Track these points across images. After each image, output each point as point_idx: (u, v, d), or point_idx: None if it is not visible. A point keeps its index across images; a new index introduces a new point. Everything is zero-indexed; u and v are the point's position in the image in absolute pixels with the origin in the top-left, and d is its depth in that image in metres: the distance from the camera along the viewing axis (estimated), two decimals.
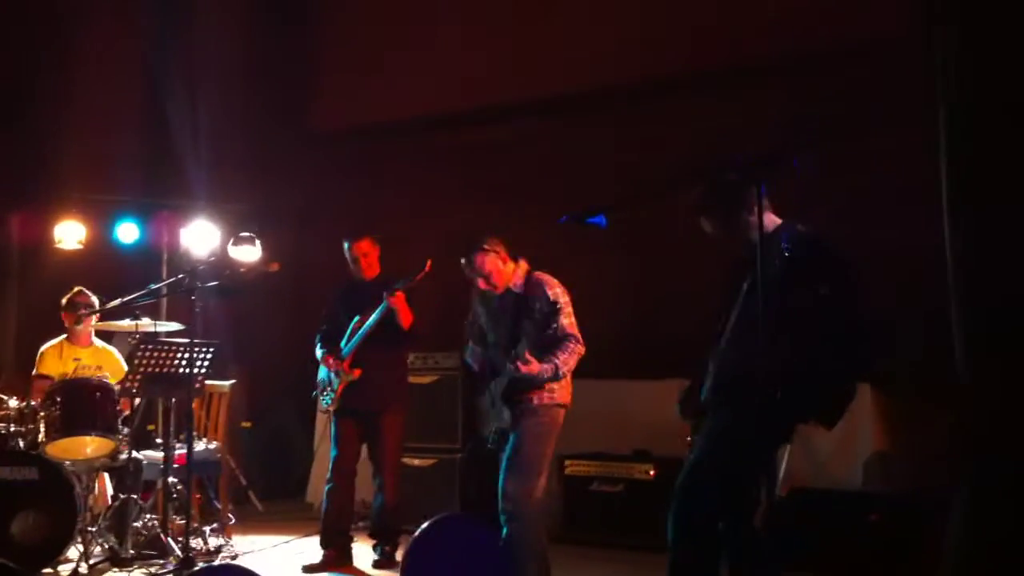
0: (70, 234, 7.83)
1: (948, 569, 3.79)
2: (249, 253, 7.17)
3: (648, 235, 7.25)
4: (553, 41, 8.56)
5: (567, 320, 4.99)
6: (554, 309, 4.96)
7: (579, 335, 5.02)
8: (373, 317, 6.01)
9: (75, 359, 6.61)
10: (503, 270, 5.09)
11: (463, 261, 5.13)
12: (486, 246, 5.07)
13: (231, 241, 7.27)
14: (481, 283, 5.11)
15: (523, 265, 5.17)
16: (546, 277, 5.12)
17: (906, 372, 6.26)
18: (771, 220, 4.00)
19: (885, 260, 6.38)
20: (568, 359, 4.96)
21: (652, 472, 6.68)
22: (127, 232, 7.99)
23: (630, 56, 8.08)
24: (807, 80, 7.30)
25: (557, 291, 5.04)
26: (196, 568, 5.49)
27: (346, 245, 6.31)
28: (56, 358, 6.64)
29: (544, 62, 8.54)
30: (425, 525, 4.67)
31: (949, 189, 3.68)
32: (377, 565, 6.16)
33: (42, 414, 5.89)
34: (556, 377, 4.96)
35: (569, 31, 8.51)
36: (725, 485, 3.91)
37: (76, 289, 6.73)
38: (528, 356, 4.82)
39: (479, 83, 8.81)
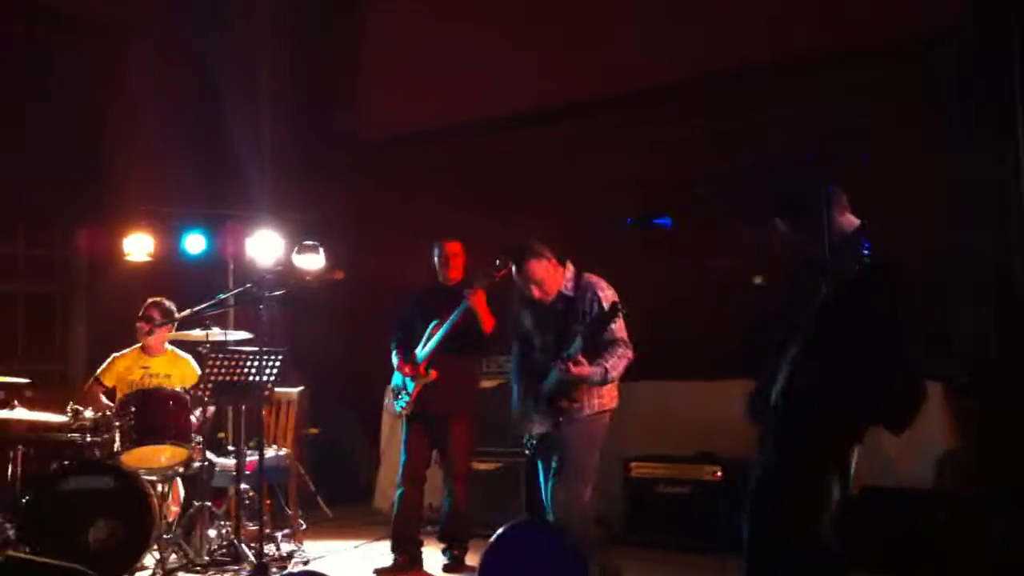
0: (139, 246, 7.96)
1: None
2: (313, 261, 7.25)
3: (708, 235, 7.24)
4: (604, 42, 8.57)
5: (616, 324, 5.01)
6: (604, 313, 4.97)
7: (628, 340, 5.04)
8: (450, 320, 6.03)
9: (143, 367, 6.72)
10: (554, 276, 5.12)
11: (513, 269, 5.15)
12: (536, 253, 5.10)
13: (295, 250, 7.36)
14: (535, 291, 5.14)
15: (570, 267, 5.20)
16: (597, 280, 5.15)
17: (978, 371, 6.20)
18: (849, 221, 3.92)
19: (956, 261, 6.36)
20: (617, 364, 4.99)
21: (719, 474, 6.67)
22: (194, 243, 8.11)
23: (681, 54, 8.07)
24: (854, 77, 7.25)
25: (608, 294, 5.08)
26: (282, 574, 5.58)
27: (437, 246, 6.35)
28: (125, 366, 6.75)
29: (595, 64, 8.54)
30: (501, 530, 4.69)
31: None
32: (447, 569, 6.21)
33: (117, 423, 6.00)
34: (604, 381, 4.99)
35: (617, 32, 8.51)
36: (798, 490, 3.89)
37: (150, 300, 6.82)
38: (580, 358, 4.86)
39: (530, 86, 8.84)
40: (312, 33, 10.20)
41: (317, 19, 10.26)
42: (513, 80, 8.89)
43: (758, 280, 5.22)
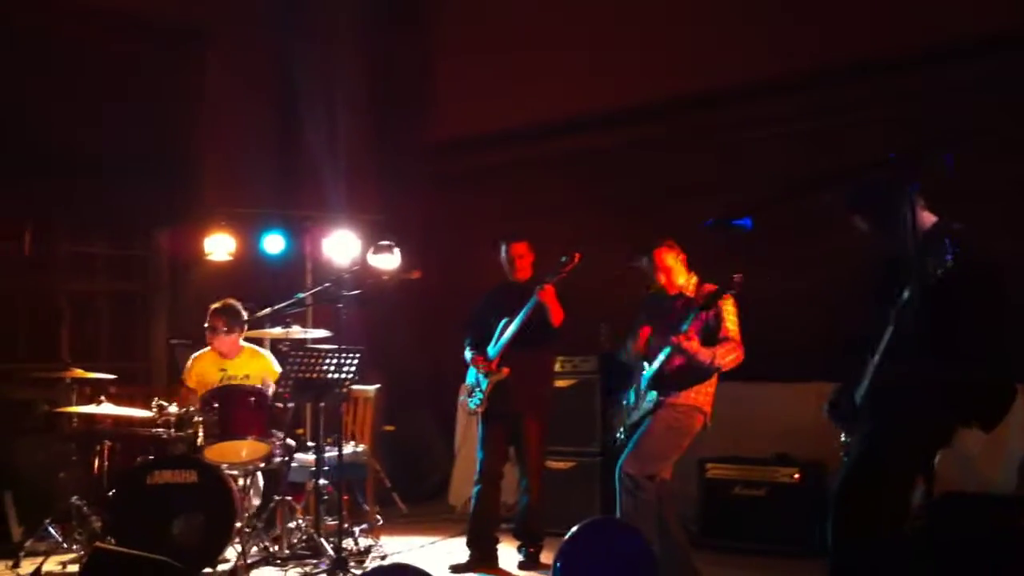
0: (220, 246, 8.06)
1: None
2: (388, 261, 7.34)
3: (785, 236, 7.18)
4: (681, 43, 8.53)
5: (731, 326, 5.31)
6: (719, 318, 5.30)
7: (741, 341, 5.30)
8: (521, 315, 6.08)
9: (221, 370, 6.81)
10: (679, 269, 5.47)
11: (643, 259, 5.42)
12: (667, 243, 5.47)
13: (371, 250, 7.45)
14: (660, 278, 5.47)
15: (695, 278, 5.50)
16: (725, 301, 5.36)
17: None
18: (927, 218, 3.92)
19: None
20: (725, 354, 5.26)
21: (797, 476, 6.61)
22: (273, 243, 8.20)
23: (758, 55, 8.01)
24: (947, 74, 7.14)
25: (728, 307, 5.34)
26: (368, 568, 5.76)
27: (503, 246, 6.40)
28: (203, 368, 6.84)
29: (671, 64, 8.50)
30: (576, 528, 4.70)
31: None
32: (522, 566, 6.24)
33: (200, 419, 6.13)
34: (710, 367, 5.25)
35: (696, 33, 8.47)
36: (884, 490, 3.85)
37: (223, 301, 6.89)
38: (692, 333, 5.19)
39: (605, 87, 8.83)
40: (388, 36, 10.29)
41: (393, 23, 10.35)
42: (587, 82, 8.89)
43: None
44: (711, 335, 5.31)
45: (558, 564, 4.66)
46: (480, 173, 9.74)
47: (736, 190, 7.59)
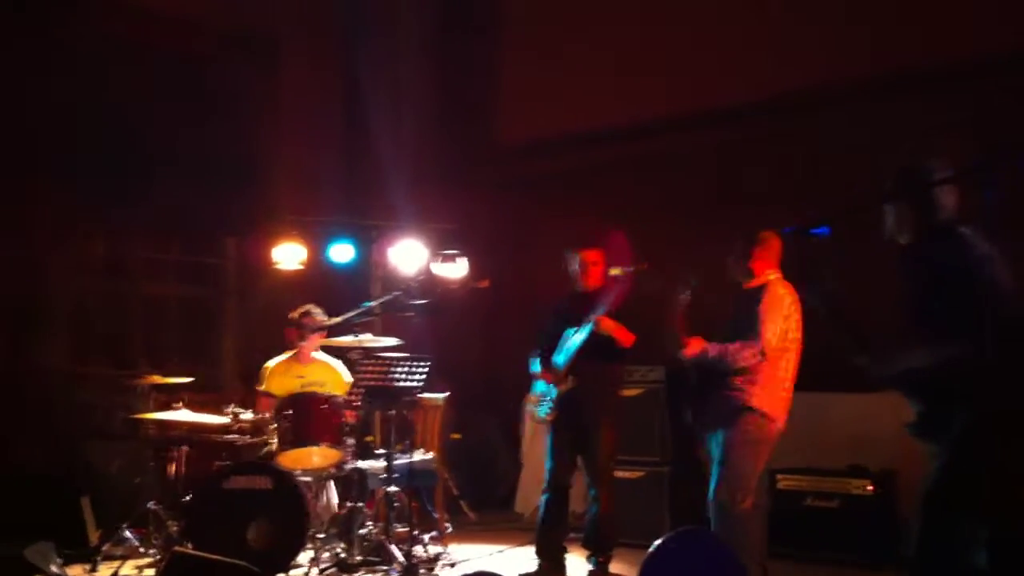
0: (289, 255, 8.13)
1: None
2: (453, 270, 7.38)
3: (859, 243, 7.10)
4: (749, 46, 8.47)
5: (763, 325, 5.13)
6: (754, 305, 5.17)
7: (767, 341, 5.11)
8: (582, 335, 6.06)
9: (299, 376, 6.91)
10: (757, 264, 5.34)
11: (731, 257, 5.38)
12: (760, 240, 5.35)
13: (437, 259, 7.49)
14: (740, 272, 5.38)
15: (775, 274, 5.33)
16: (779, 287, 5.24)
17: None
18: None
19: None
20: (739, 349, 5.13)
21: (870, 487, 6.54)
22: (341, 252, 8.25)
23: (825, 58, 7.94)
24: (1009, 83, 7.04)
25: (774, 295, 5.19)
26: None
27: (574, 253, 6.39)
28: (281, 375, 6.95)
29: (743, 66, 8.45)
30: (663, 538, 4.67)
31: None
32: None
33: (273, 426, 6.21)
34: (723, 361, 5.12)
35: (768, 35, 8.40)
36: (973, 500, 3.80)
37: (303, 309, 7.02)
38: (686, 341, 5.22)
39: (669, 91, 8.79)
40: (456, 43, 10.35)
41: (461, 30, 10.40)
42: (657, 85, 8.84)
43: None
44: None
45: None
46: (547, 179, 9.74)
47: (809, 197, 7.51)
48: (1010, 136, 6.66)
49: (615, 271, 5.99)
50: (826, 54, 7.96)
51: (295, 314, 6.99)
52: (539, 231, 9.21)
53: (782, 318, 5.15)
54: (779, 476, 6.81)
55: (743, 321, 5.23)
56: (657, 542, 4.60)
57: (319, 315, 6.94)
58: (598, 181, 9.28)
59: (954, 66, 7.30)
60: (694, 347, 5.18)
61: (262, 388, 6.95)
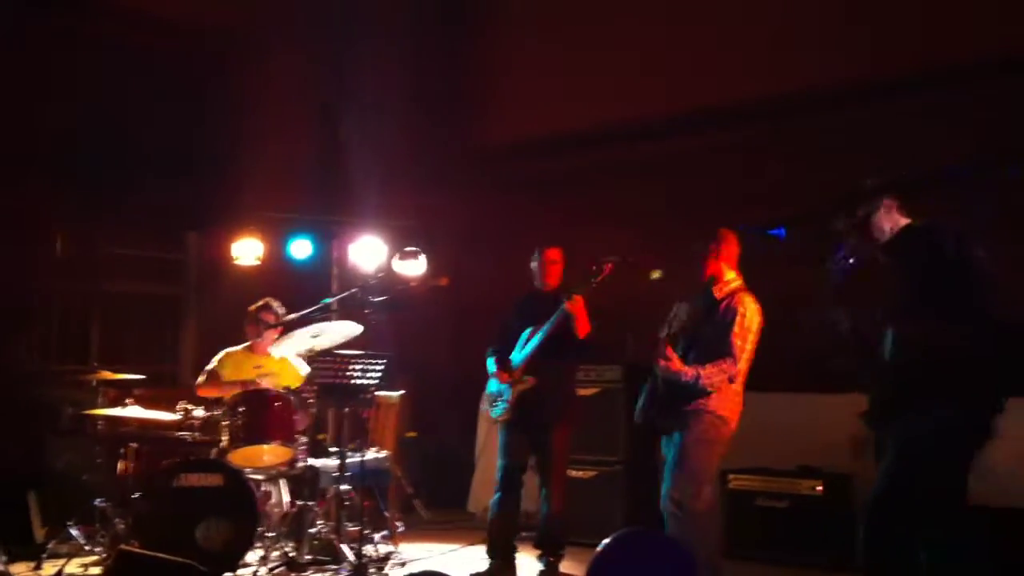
0: (248, 251, 8.10)
1: None
2: (414, 268, 7.35)
3: (816, 244, 7.13)
4: (716, 51, 8.50)
5: (738, 340, 5.11)
6: (729, 323, 5.11)
7: (739, 357, 5.10)
8: (547, 325, 6.06)
9: (256, 366, 6.86)
10: (719, 265, 5.29)
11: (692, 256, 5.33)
12: (720, 237, 5.32)
13: (396, 256, 7.46)
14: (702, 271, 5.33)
15: (738, 280, 5.30)
16: (748, 298, 5.23)
17: None
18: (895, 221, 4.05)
19: None
20: (712, 372, 5.08)
21: (820, 488, 6.57)
22: (300, 248, 8.23)
23: (810, 62, 7.96)
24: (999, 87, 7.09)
25: (747, 314, 5.16)
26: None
27: (536, 253, 6.40)
28: (237, 362, 6.91)
29: (711, 73, 8.46)
30: (610, 539, 4.67)
31: None
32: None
33: (225, 423, 6.17)
34: (696, 386, 5.07)
35: (752, 39, 8.41)
36: (920, 498, 3.83)
37: (262, 302, 6.98)
38: (670, 353, 5.06)
39: (643, 95, 8.80)
40: (434, 41, 10.31)
41: (439, 28, 10.37)
42: (633, 89, 8.85)
43: (656, 275, 5.24)
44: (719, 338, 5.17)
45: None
46: (520, 180, 9.74)
47: (796, 200, 7.53)
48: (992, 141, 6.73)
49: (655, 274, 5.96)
50: (821, 57, 7.98)
51: (254, 308, 6.94)
52: (504, 231, 9.19)
53: (750, 340, 5.17)
54: (730, 476, 6.84)
55: (711, 329, 5.21)
56: (605, 541, 4.61)
57: (278, 308, 6.89)
58: (571, 182, 9.29)
59: (953, 68, 7.35)
60: (674, 363, 5.11)
61: (212, 367, 6.89)
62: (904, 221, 4.22)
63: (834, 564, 6.28)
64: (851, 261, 4.11)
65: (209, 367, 6.91)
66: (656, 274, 5.80)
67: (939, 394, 3.76)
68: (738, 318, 5.13)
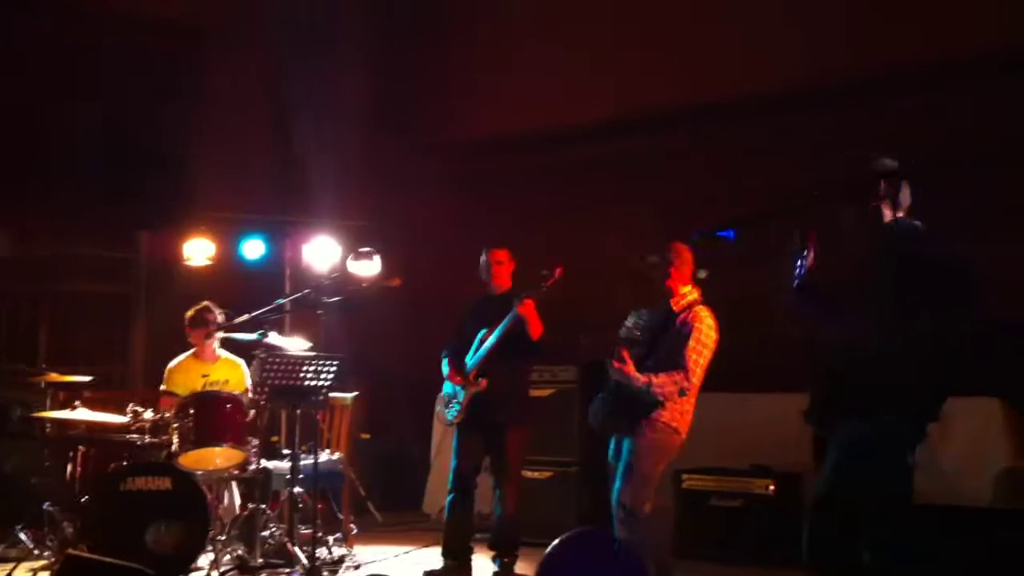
0: (199, 251, 8.02)
1: None
2: (368, 268, 7.31)
3: (768, 246, 7.18)
4: (665, 53, 8.54)
5: (692, 355, 5.15)
6: (686, 336, 5.14)
7: (692, 371, 5.13)
8: (500, 327, 6.05)
9: (203, 375, 6.77)
10: (676, 281, 5.30)
11: (651, 261, 5.32)
12: (674, 250, 5.31)
13: (351, 256, 7.43)
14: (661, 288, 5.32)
15: (694, 293, 5.33)
16: (705, 313, 5.25)
17: None
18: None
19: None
20: (664, 382, 5.10)
21: (772, 487, 6.62)
22: (253, 249, 8.16)
23: (758, 67, 8.02)
24: (936, 93, 7.18)
25: (703, 329, 5.19)
26: None
27: (484, 253, 6.38)
28: (184, 375, 6.80)
29: (660, 74, 8.50)
30: (561, 539, 4.67)
31: None
32: None
33: (175, 426, 6.09)
34: (648, 393, 5.08)
35: (682, 44, 8.48)
36: (864, 498, 3.86)
37: (202, 304, 6.87)
38: (625, 355, 5.06)
39: (595, 96, 8.83)
40: (389, 40, 10.27)
41: (395, 27, 10.33)
42: (586, 89, 8.88)
43: (703, 274, 5.29)
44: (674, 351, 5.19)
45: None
46: (473, 181, 9.73)
47: (748, 201, 7.57)
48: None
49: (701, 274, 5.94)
50: (763, 59, 8.05)
51: (192, 312, 6.85)
52: (461, 232, 9.18)
53: (705, 355, 5.20)
54: (684, 476, 6.86)
55: (667, 341, 5.24)
56: (555, 542, 4.61)
57: (217, 312, 6.81)
58: (524, 183, 9.30)
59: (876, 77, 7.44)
60: (628, 367, 5.11)
61: (163, 388, 6.81)
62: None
63: (786, 562, 6.30)
64: (811, 260, 4.11)
65: (162, 387, 6.83)
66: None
67: (883, 398, 3.78)
68: (695, 333, 5.16)
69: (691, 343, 5.14)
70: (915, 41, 7.36)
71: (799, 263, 4.12)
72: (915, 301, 3.67)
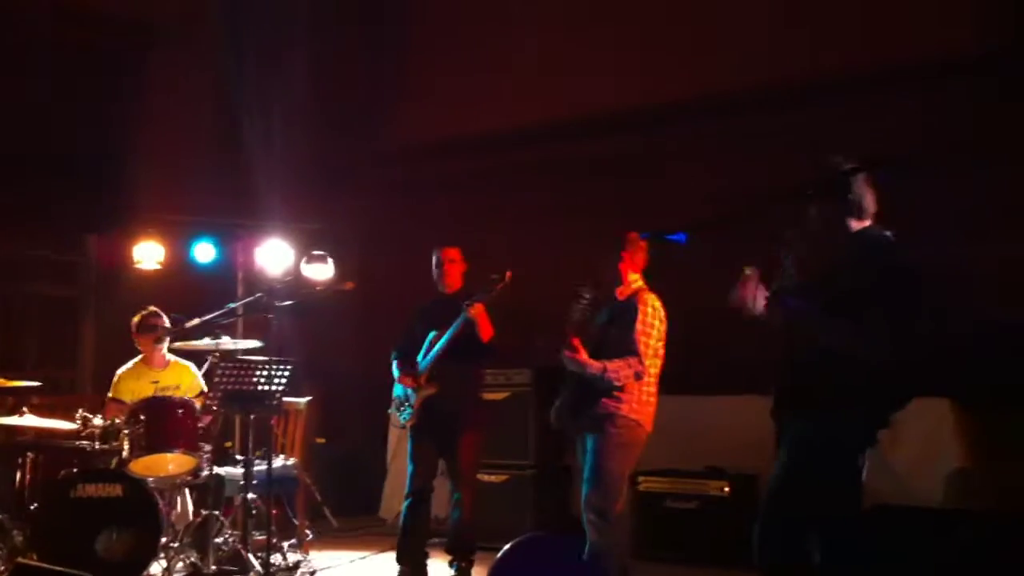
0: (149, 254, 7.92)
1: None
2: (322, 272, 7.27)
3: (725, 250, 7.23)
4: (616, 55, 8.57)
5: (641, 337, 5.10)
6: (631, 321, 5.10)
7: (644, 354, 5.10)
8: (450, 330, 6.03)
9: (153, 382, 6.66)
10: (627, 267, 5.28)
11: (600, 261, 5.30)
12: (628, 242, 5.29)
13: (304, 260, 7.37)
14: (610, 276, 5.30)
15: (640, 281, 5.31)
16: (649, 296, 5.23)
17: (990, 388, 6.19)
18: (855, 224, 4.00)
19: (973, 278, 6.36)
20: (619, 367, 5.06)
21: (727, 489, 6.66)
22: (204, 252, 8.08)
23: (703, 70, 8.08)
24: (885, 97, 7.25)
25: (648, 311, 5.16)
26: None
27: (435, 253, 6.36)
28: (133, 381, 6.70)
29: (612, 77, 8.54)
30: (510, 545, 4.67)
31: None
32: None
33: (126, 432, 6.00)
34: (601, 380, 5.06)
35: (632, 45, 8.51)
36: (811, 497, 3.89)
37: (149, 310, 6.77)
38: (577, 344, 5.02)
39: (547, 99, 8.84)
40: (340, 41, 10.22)
41: (346, 27, 10.28)
42: (539, 92, 8.88)
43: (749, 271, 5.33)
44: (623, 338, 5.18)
45: None
46: (425, 183, 9.69)
47: (695, 205, 7.61)
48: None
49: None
50: (719, 61, 8.10)
51: (138, 318, 6.75)
52: (413, 235, 9.14)
53: (654, 336, 5.19)
54: (640, 478, 6.88)
55: (615, 330, 5.25)
56: (505, 548, 4.61)
57: (163, 317, 6.72)
58: (477, 185, 9.28)
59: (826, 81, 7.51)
60: (581, 355, 5.09)
61: (110, 395, 6.70)
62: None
63: (741, 563, 6.33)
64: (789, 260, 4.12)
65: (109, 395, 6.72)
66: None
67: (833, 400, 3.80)
68: (639, 315, 5.13)
69: (637, 326, 5.11)
70: (891, 41, 7.45)
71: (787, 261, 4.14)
72: (881, 312, 3.70)
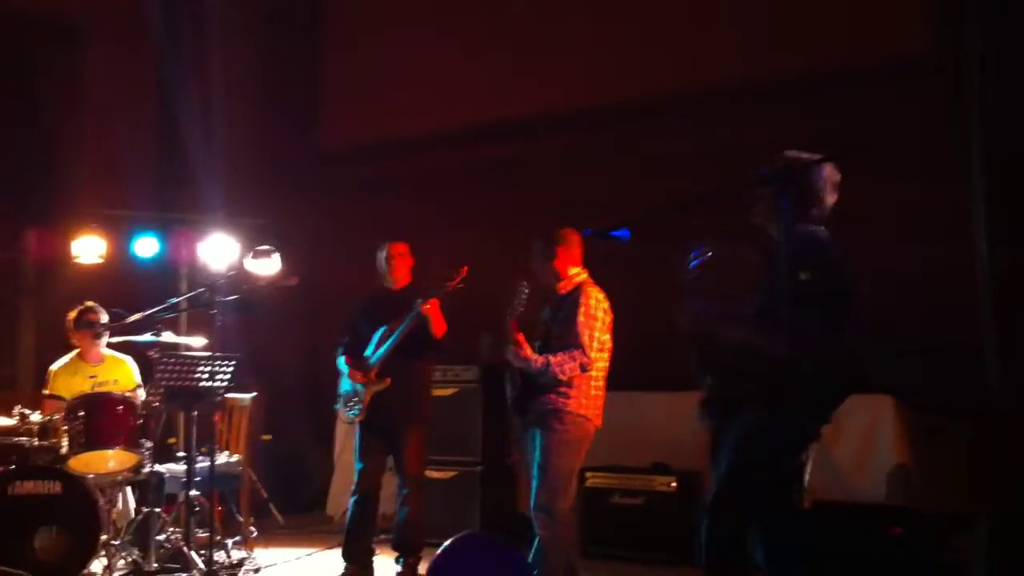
0: (89, 249, 7.79)
1: None
2: (267, 267, 7.18)
3: (668, 245, 7.26)
4: (565, 55, 8.59)
5: (585, 330, 5.11)
6: (572, 312, 5.12)
7: (589, 346, 5.10)
8: (402, 326, 5.99)
9: (91, 377, 6.56)
10: (563, 262, 5.29)
11: (535, 260, 5.32)
12: (561, 238, 5.29)
13: (249, 255, 7.28)
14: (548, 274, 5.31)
15: (583, 275, 5.32)
16: (592, 289, 5.24)
17: (930, 387, 6.28)
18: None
19: (915, 280, 6.43)
20: (563, 360, 5.08)
21: (674, 485, 6.69)
22: (145, 247, 7.98)
23: (650, 69, 8.11)
24: (829, 98, 7.33)
25: (590, 302, 5.16)
26: None
27: (383, 248, 6.31)
28: (69, 377, 6.57)
29: (558, 77, 8.57)
30: (447, 543, 4.64)
31: (988, 208, 3.68)
32: None
33: (65, 428, 5.88)
34: (545, 373, 5.07)
35: (582, 45, 8.54)
36: (754, 495, 3.91)
37: (86, 305, 6.65)
38: (520, 339, 5.06)
39: (493, 98, 8.85)
40: (276, 40, 10.13)
41: (281, 27, 10.19)
42: (477, 92, 8.88)
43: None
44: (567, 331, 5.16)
45: None
46: (371, 181, 9.65)
47: (641, 202, 7.61)
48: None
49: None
50: (659, 60, 8.14)
51: (74, 314, 6.62)
52: (363, 231, 9.06)
53: (598, 327, 5.18)
54: (587, 474, 6.88)
55: (557, 325, 5.24)
56: (443, 546, 4.58)
57: (101, 313, 6.60)
58: (420, 184, 9.25)
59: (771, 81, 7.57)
60: (524, 349, 5.11)
61: (47, 392, 6.57)
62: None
63: (688, 560, 6.39)
64: (708, 255, 4.13)
65: (45, 392, 6.57)
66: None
67: (772, 399, 3.82)
68: (581, 307, 5.14)
69: (580, 318, 5.11)
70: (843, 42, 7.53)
71: (695, 261, 4.15)
72: (814, 312, 3.71)
